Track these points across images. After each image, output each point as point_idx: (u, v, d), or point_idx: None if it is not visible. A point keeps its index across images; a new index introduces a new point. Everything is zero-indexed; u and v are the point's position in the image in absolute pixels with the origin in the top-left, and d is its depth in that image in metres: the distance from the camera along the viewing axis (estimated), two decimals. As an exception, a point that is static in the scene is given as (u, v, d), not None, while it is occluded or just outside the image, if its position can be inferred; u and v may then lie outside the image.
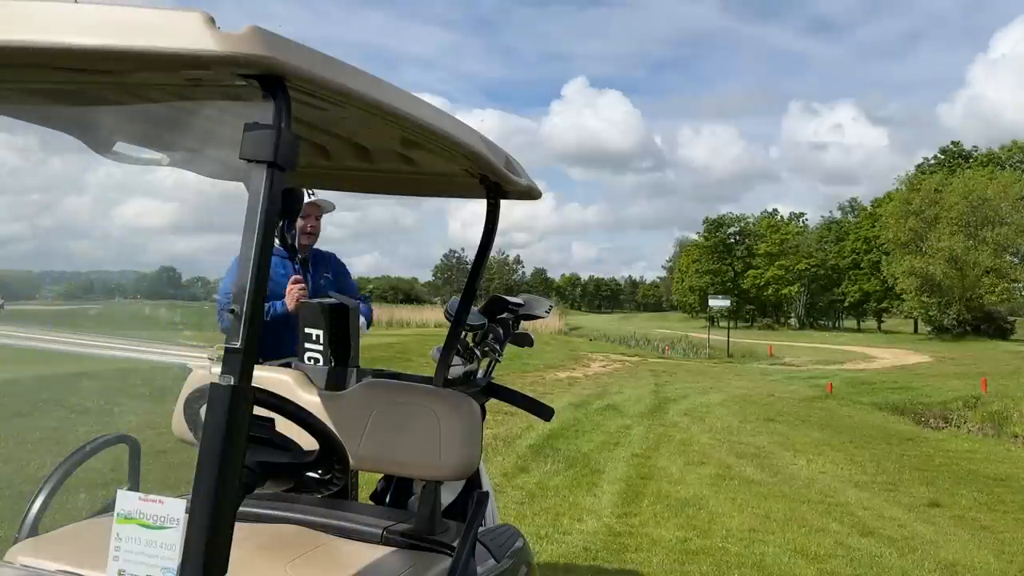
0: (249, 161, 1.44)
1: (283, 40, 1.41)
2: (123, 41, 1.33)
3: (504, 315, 3.30)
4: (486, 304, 3.27)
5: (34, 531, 2.33)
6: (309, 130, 2.14)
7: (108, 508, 2.66)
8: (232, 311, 1.43)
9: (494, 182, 2.49)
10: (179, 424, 2.50)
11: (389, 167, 2.58)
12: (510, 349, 3.56)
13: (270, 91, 1.44)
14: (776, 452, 10.76)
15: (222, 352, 1.44)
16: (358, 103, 1.65)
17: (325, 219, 4.35)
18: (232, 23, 1.36)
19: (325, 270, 4.39)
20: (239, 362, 1.42)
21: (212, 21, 1.34)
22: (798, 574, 5.63)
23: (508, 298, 3.33)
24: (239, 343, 1.43)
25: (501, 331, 3.28)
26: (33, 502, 2.38)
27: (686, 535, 6.42)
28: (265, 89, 1.44)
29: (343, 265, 4.59)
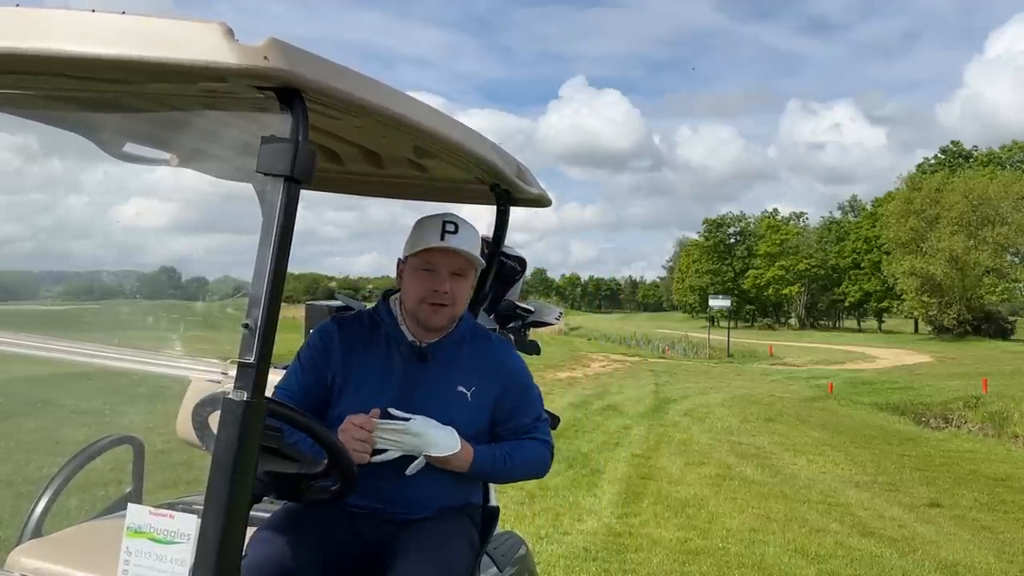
0: (266, 175, 1.41)
1: (301, 53, 1.38)
2: (141, 52, 1.30)
3: (515, 323, 3.29)
4: (498, 310, 3.26)
5: (37, 532, 2.32)
6: (322, 136, 2.13)
7: (110, 510, 2.66)
8: (246, 325, 1.39)
9: (504, 190, 2.50)
10: (185, 428, 2.50)
11: (400, 173, 2.58)
12: None
13: (287, 104, 1.41)
14: (776, 452, 10.75)
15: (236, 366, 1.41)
16: (375, 115, 1.62)
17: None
18: (229, 22, 1.33)
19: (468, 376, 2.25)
20: (252, 377, 1.40)
21: (231, 33, 1.30)
22: (798, 574, 5.63)
23: (520, 304, 3.32)
24: (252, 358, 1.40)
25: (512, 337, 3.26)
26: (37, 503, 2.38)
27: (686, 535, 6.41)
28: (282, 102, 1.41)
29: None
